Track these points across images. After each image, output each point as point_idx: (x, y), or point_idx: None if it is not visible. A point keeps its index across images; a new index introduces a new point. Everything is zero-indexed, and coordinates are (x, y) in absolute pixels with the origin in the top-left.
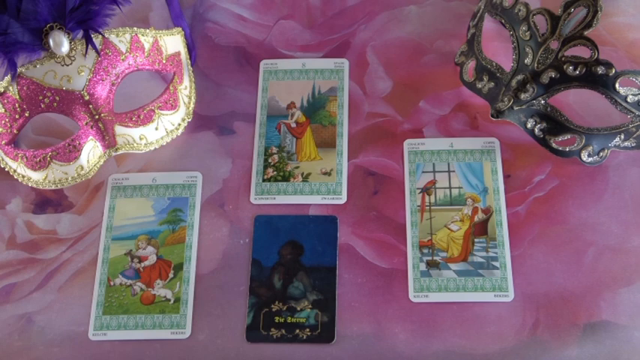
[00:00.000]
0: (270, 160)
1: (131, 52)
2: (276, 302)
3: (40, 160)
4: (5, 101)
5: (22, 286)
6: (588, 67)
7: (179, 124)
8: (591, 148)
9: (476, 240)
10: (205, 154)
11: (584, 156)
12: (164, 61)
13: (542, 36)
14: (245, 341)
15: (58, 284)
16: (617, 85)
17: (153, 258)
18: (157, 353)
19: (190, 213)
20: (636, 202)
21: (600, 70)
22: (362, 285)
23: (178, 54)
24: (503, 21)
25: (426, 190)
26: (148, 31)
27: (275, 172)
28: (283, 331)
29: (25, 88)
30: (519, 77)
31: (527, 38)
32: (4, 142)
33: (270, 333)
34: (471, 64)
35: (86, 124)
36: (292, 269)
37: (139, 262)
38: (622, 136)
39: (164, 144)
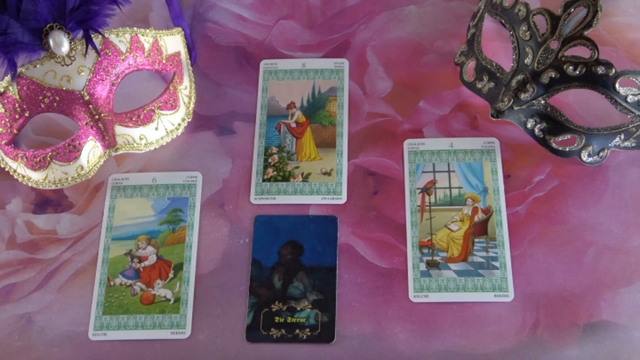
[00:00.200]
0: (270, 160)
1: (131, 52)
2: (276, 302)
3: (40, 160)
4: (5, 101)
5: (22, 286)
6: (588, 67)
7: (179, 124)
8: (591, 148)
9: (476, 240)
10: (205, 154)
11: (584, 156)
12: (164, 61)
13: (542, 36)
14: (245, 341)
15: (58, 284)
16: (617, 85)
17: (153, 258)
18: (156, 353)
19: (190, 213)
20: (636, 202)
21: (600, 70)
22: (362, 285)
23: (178, 54)
24: (503, 21)
25: (426, 190)
26: (148, 31)
27: (275, 172)
28: (283, 331)
29: (25, 88)
30: (519, 77)
31: (527, 38)
32: (4, 142)
33: (270, 333)
34: (470, 64)
35: (86, 124)
36: (292, 269)
37: (139, 262)
38: (622, 136)
39: (164, 144)
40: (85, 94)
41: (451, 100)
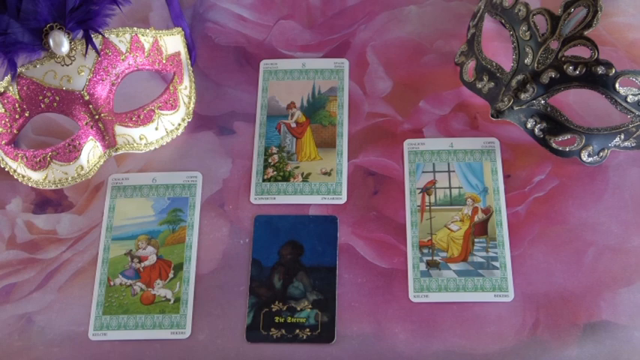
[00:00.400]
0: (270, 160)
1: (131, 52)
2: (276, 302)
3: (40, 160)
4: (5, 101)
5: (22, 286)
6: (588, 67)
7: (179, 124)
8: (591, 148)
9: (476, 240)
10: (205, 154)
11: (584, 156)
12: (164, 61)
13: (542, 36)
14: (245, 341)
15: (58, 284)
16: (617, 85)
17: (153, 258)
18: (156, 353)
19: (190, 213)
20: (636, 202)
21: (600, 70)
22: (362, 285)
23: (178, 54)
24: (503, 21)
25: (426, 190)
26: (148, 31)
27: (275, 172)
28: (283, 331)
29: (25, 88)
30: (519, 77)
31: (527, 38)
32: (4, 142)
33: (270, 333)
34: (471, 64)
35: (86, 124)
36: (292, 269)
37: (139, 262)
38: (622, 136)
39: (164, 144)
40: (85, 94)
41: (451, 100)
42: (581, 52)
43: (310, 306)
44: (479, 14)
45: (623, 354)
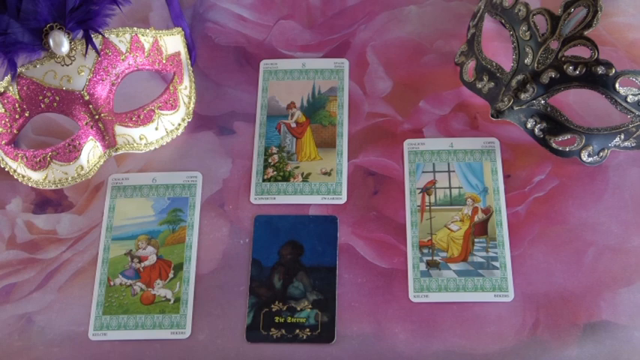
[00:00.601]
0: (270, 160)
1: (131, 52)
2: (276, 302)
3: (40, 160)
4: (5, 101)
5: (22, 286)
6: (588, 67)
7: (179, 124)
8: (591, 148)
9: (476, 240)
10: (205, 154)
11: (584, 156)
12: (164, 61)
13: (542, 36)
14: (245, 341)
15: (58, 284)
16: (617, 85)
17: (153, 258)
18: (156, 353)
19: (190, 213)
20: (636, 202)
21: (600, 70)
22: (362, 285)
23: (178, 54)
24: (503, 21)
25: (426, 190)
26: (148, 31)
27: (275, 172)
28: (283, 331)
29: (25, 88)
30: (519, 77)
31: (527, 38)
32: (4, 142)
33: (270, 333)
34: (471, 64)
35: (86, 124)
36: (292, 269)
37: (139, 262)
38: (622, 136)
39: (164, 144)
40: (85, 94)
41: (451, 100)
42: (581, 52)
43: (310, 306)
44: (479, 14)
45: (623, 354)
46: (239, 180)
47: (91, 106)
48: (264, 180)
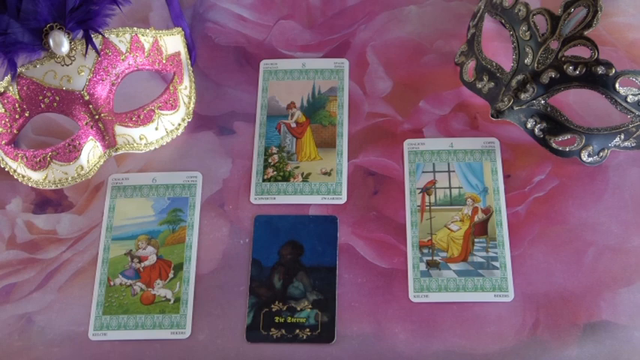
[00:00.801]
0: (270, 160)
1: (131, 52)
2: (276, 302)
3: (40, 160)
4: (5, 101)
5: (22, 286)
6: (588, 67)
7: (179, 124)
8: (591, 148)
9: (476, 240)
10: (205, 154)
11: (584, 156)
12: (164, 61)
13: (542, 36)
14: (245, 341)
15: (58, 284)
16: (617, 85)
17: (153, 258)
18: (156, 353)
19: (190, 213)
20: (636, 202)
21: (600, 70)
22: (362, 285)
23: (178, 54)
24: (503, 21)
25: (426, 190)
26: (148, 31)
27: (275, 172)
28: (283, 331)
29: (25, 88)
30: (519, 77)
31: (527, 38)
32: (4, 142)
33: (270, 333)
34: (471, 64)
35: (86, 124)
36: (292, 269)
37: (139, 262)
38: (622, 136)
39: (164, 144)
40: (85, 94)
41: (451, 100)
42: (581, 52)
43: (310, 306)
44: (479, 14)
45: (623, 354)
46: (239, 180)
47: (91, 106)
48: (264, 180)
